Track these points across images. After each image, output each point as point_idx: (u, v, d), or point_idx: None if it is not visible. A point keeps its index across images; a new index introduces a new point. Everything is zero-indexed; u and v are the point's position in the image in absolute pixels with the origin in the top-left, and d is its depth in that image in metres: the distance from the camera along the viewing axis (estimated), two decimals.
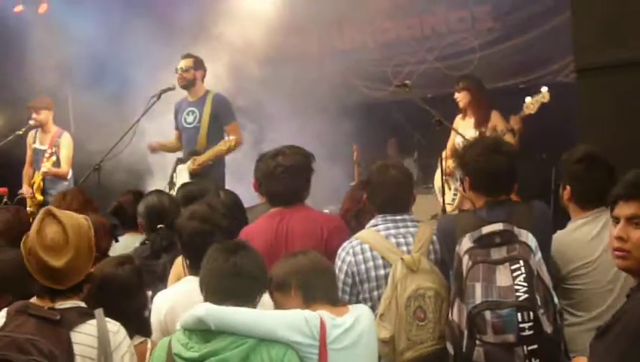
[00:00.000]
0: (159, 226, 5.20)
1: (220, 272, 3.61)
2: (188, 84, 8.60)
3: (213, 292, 3.60)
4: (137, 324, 3.98)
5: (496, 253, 3.99)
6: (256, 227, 5.05)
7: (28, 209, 9.36)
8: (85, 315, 3.64)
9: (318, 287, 3.84)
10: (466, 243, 4.10)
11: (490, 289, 3.86)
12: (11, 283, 4.00)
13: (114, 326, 3.67)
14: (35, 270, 3.63)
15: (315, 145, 6.11)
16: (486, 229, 4.07)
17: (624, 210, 3.23)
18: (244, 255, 3.62)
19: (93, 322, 3.62)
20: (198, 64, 8.66)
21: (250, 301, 3.60)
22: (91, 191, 8.16)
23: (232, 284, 3.58)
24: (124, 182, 9.21)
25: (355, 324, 3.72)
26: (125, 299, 3.98)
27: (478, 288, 3.88)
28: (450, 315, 4.12)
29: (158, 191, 5.65)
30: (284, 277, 3.86)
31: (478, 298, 3.85)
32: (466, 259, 4.03)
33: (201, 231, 4.29)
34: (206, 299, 3.60)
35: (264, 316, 3.53)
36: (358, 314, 3.80)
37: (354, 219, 5.54)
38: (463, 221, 4.42)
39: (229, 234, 4.39)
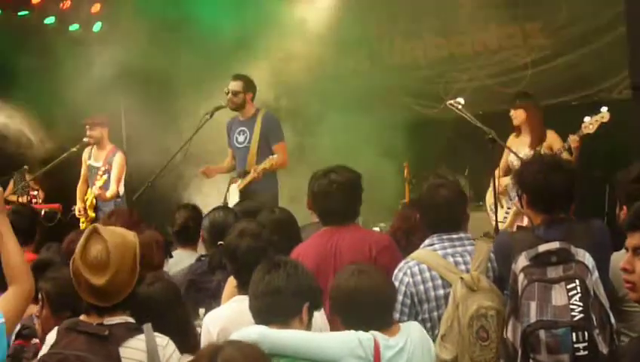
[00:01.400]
0: (219, 243, 5.15)
1: (255, 292, 3.62)
2: (237, 107, 8.71)
3: (255, 313, 3.61)
4: (181, 340, 3.94)
5: (553, 272, 3.94)
6: (306, 245, 5.08)
7: (81, 225, 9.47)
8: (134, 330, 3.66)
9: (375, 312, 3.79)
10: (522, 261, 4.05)
11: (545, 308, 3.82)
12: (69, 300, 4.05)
13: (163, 340, 3.69)
14: (80, 287, 3.67)
15: (365, 163, 6.14)
16: (542, 247, 4.03)
17: (630, 240, 3.21)
18: (281, 272, 3.60)
19: (141, 337, 3.63)
20: (248, 85, 8.73)
21: (291, 318, 3.56)
22: (144, 207, 8.29)
23: (268, 303, 3.58)
24: (177, 198, 9.30)
25: (407, 344, 3.69)
26: (160, 316, 3.98)
27: (533, 307, 3.84)
28: (504, 333, 4.09)
29: (225, 208, 5.64)
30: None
31: (533, 317, 3.82)
32: (521, 278, 3.99)
33: (253, 248, 4.28)
34: (254, 320, 3.61)
35: (317, 339, 3.52)
36: (409, 333, 3.77)
37: (404, 238, 5.53)
38: (519, 238, 4.39)
39: (280, 250, 4.38)
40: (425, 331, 3.96)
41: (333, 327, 4.08)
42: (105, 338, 3.57)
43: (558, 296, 3.84)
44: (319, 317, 4.15)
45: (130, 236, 3.80)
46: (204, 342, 4.22)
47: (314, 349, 3.44)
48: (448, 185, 4.90)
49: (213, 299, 4.80)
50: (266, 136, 8.56)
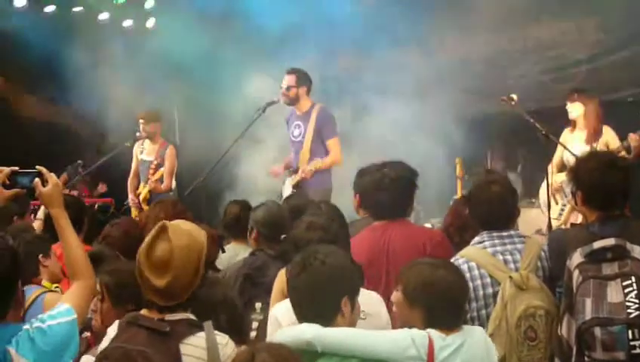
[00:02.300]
0: (283, 236, 5.12)
1: (292, 289, 3.60)
2: (291, 102, 8.70)
3: (297, 311, 3.58)
4: (232, 333, 3.89)
5: (608, 269, 3.90)
6: (358, 240, 5.01)
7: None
8: (194, 327, 3.64)
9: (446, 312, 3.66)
10: (577, 257, 4.02)
11: (600, 305, 3.78)
12: (130, 293, 4.08)
13: (223, 339, 3.67)
14: (142, 284, 3.67)
15: (418, 159, 6.10)
16: (597, 244, 3.99)
17: None
18: (312, 270, 3.51)
19: (202, 334, 3.62)
20: (301, 79, 8.70)
21: (333, 314, 3.49)
22: (195, 203, 8.35)
23: (306, 302, 3.53)
24: (228, 194, 9.35)
25: (464, 344, 3.58)
26: (216, 316, 3.94)
27: (588, 304, 3.81)
28: (559, 330, 4.04)
29: (274, 202, 5.63)
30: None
31: (588, 314, 3.79)
32: (576, 274, 3.96)
33: (324, 241, 4.16)
34: (296, 317, 3.59)
35: (370, 337, 3.47)
36: (470, 335, 3.66)
37: (457, 234, 5.48)
38: (573, 235, 4.37)
39: (347, 244, 4.35)
40: (489, 338, 3.83)
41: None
42: (166, 334, 3.55)
43: (614, 292, 3.80)
44: (384, 312, 4.10)
45: (200, 236, 3.75)
46: (270, 332, 4.13)
47: (366, 348, 3.40)
48: (500, 181, 4.86)
49: (268, 293, 4.78)
50: (320, 131, 8.55)
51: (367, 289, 4.20)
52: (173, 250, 3.60)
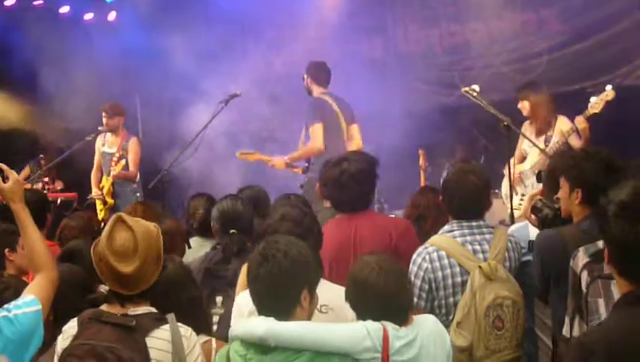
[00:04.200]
0: (232, 231, 5.16)
1: (252, 280, 3.58)
2: (308, 92, 8.74)
3: (256, 302, 3.58)
4: (195, 321, 3.93)
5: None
6: (325, 232, 5.03)
7: (99, 213, 9.50)
8: (159, 320, 3.67)
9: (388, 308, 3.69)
10: (581, 258, 3.94)
11: (611, 306, 3.70)
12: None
13: (186, 331, 3.70)
14: (106, 275, 3.68)
15: (379, 150, 6.13)
16: (602, 243, 3.95)
17: None
18: (272, 263, 3.49)
19: (166, 327, 3.65)
20: (307, 68, 8.76)
21: (292, 306, 3.50)
22: (159, 196, 8.32)
23: (265, 294, 3.53)
24: (192, 187, 9.32)
25: (418, 336, 3.63)
26: (174, 295, 4.01)
27: (602, 304, 3.72)
28: (569, 333, 3.97)
29: (233, 196, 5.63)
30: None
31: (603, 314, 3.68)
32: (584, 275, 3.87)
33: (292, 233, 4.12)
34: (256, 309, 3.59)
35: (324, 330, 3.48)
36: (422, 325, 3.71)
37: (415, 225, 5.50)
38: (570, 235, 4.31)
39: (319, 238, 4.35)
40: (440, 324, 3.87)
41: None
42: (132, 328, 3.58)
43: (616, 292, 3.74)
44: (348, 307, 4.12)
45: (152, 226, 3.82)
46: (234, 321, 4.15)
47: (320, 341, 3.41)
48: (477, 171, 4.85)
49: (229, 286, 4.79)
50: (305, 120, 8.53)
51: (336, 279, 4.26)
52: (136, 236, 3.66)
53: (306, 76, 8.71)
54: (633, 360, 2.74)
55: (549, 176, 5.07)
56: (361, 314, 3.68)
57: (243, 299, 4.19)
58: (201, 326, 4.06)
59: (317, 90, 8.63)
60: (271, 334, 3.38)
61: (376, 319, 3.61)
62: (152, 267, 3.72)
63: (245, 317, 4.10)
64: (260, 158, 8.97)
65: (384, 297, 3.65)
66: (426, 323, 3.75)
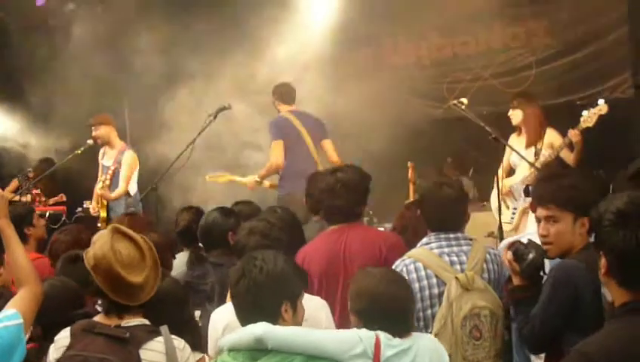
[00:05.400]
0: (198, 244, 5.29)
1: (233, 295, 3.59)
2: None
3: (240, 318, 3.58)
4: (190, 337, 3.95)
5: None
6: (314, 246, 5.08)
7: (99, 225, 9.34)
8: (152, 332, 3.68)
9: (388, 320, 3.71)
10: None
11: None
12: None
13: (180, 343, 3.72)
14: (109, 287, 3.67)
15: (369, 163, 6.13)
16: None
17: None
18: (249, 279, 3.50)
19: (160, 339, 3.66)
20: (273, 91, 8.97)
21: (273, 320, 3.48)
22: (150, 209, 8.29)
23: (247, 308, 3.54)
24: (182, 199, 9.29)
25: (412, 347, 3.62)
26: (173, 310, 4.02)
27: None
28: None
29: (221, 209, 5.63)
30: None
31: None
32: None
33: (262, 246, 4.22)
34: (239, 322, 3.58)
35: (319, 335, 3.50)
36: (419, 339, 3.71)
37: (401, 236, 5.51)
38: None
39: (289, 249, 4.36)
40: (440, 344, 3.87)
41: (343, 326, 4.06)
42: (125, 340, 3.58)
43: None
44: (324, 317, 4.13)
45: (142, 238, 3.84)
46: (211, 338, 4.22)
47: (314, 345, 3.42)
48: (452, 184, 4.90)
49: (207, 300, 4.82)
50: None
51: (325, 293, 4.27)
52: (140, 245, 3.71)
53: (273, 97, 8.89)
54: None
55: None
56: (368, 324, 3.65)
57: (217, 315, 4.25)
58: (195, 342, 4.07)
59: (283, 109, 8.80)
60: (269, 335, 3.38)
61: (383, 329, 3.61)
62: (157, 275, 3.78)
63: (220, 333, 4.12)
64: (230, 179, 9.03)
65: (394, 305, 3.68)
66: (423, 338, 3.77)
